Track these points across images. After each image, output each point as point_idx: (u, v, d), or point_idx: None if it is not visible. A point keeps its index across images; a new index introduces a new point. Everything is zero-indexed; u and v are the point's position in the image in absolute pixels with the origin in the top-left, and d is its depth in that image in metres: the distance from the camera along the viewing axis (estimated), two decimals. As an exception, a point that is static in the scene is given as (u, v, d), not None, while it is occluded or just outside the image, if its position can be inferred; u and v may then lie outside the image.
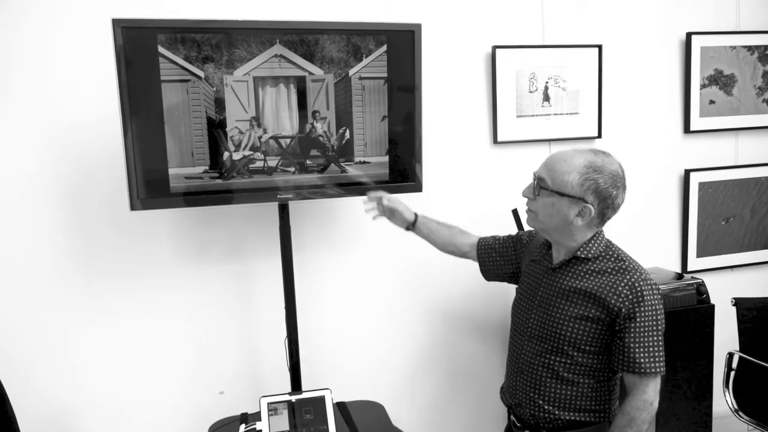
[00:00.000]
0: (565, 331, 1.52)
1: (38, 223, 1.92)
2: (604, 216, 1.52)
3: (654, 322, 1.47)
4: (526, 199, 1.60)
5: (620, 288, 1.48)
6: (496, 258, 1.85)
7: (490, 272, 1.88)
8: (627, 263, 1.52)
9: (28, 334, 1.96)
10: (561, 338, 1.53)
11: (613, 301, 1.47)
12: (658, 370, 1.47)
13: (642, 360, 1.46)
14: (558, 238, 1.57)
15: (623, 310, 1.46)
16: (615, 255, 1.54)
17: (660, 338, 1.47)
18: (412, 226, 1.93)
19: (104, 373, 2.03)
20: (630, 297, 1.46)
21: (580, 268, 1.54)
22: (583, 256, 1.54)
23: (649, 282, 1.49)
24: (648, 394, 1.47)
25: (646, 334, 1.46)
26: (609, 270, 1.51)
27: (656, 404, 1.49)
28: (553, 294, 1.57)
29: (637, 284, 1.47)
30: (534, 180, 1.55)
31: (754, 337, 2.23)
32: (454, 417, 2.42)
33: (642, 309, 1.46)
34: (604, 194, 1.48)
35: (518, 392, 1.63)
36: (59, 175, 1.92)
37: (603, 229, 1.57)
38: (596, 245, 1.54)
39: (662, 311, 1.49)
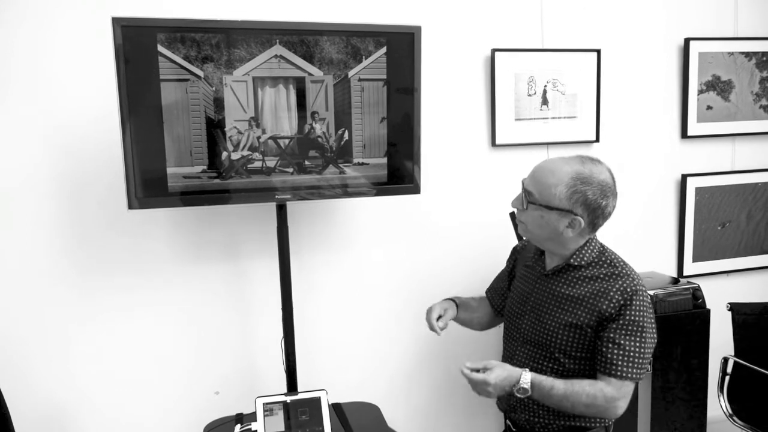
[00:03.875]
0: (556, 338, 1.52)
1: (35, 222, 1.92)
2: (595, 225, 1.50)
3: (637, 328, 1.44)
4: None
5: (612, 293, 1.47)
6: (509, 287, 1.82)
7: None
8: (620, 269, 1.51)
9: (24, 332, 1.95)
10: (552, 345, 1.53)
11: (604, 307, 1.47)
12: (633, 375, 1.44)
13: (618, 363, 1.43)
14: (550, 247, 1.57)
15: (613, 313, 1.46)
16: (608, 261, 1.53)
17: (642, 346, 1.44)
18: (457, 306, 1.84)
19: (100, 372, 2.03)
20: (620, 301, 1.45)
21: (573, 274, 1.54)
22: (576, 263, 1.53)
23: (640, 290, 1.47)
24: (620, 396, 1.43)
25: (626, 337, 1.44)
26: (602, 276, 1.51)
27: (620, 411, 1.45)
28: (546, 300, 1.57)
29: (628, 289, 1.46)
30: (522, 191, 1.54)
31: (749, 342, 2.23)
32: (450, 420, 2.42)
33: (626, 312, 1.44)
34: (594, 206, 1.46)
35: (513, 397, 1.63)
36: (57, 173, 1.91)
37: (596, 234, 1.57)
38: (589, 252, 1.54)
39: (651, 321, 1.47)
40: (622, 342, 1.44)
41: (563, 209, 1.46)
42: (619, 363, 1.44)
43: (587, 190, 1.45)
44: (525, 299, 1.64)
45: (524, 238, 1.77)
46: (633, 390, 1.48)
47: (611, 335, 1.45)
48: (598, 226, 1.52)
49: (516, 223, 2.14)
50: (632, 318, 1.45)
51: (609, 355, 1.44)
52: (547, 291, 1.58)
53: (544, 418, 1.56)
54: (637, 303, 1.46)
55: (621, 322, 1.45)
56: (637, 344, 1.45)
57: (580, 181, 1.45)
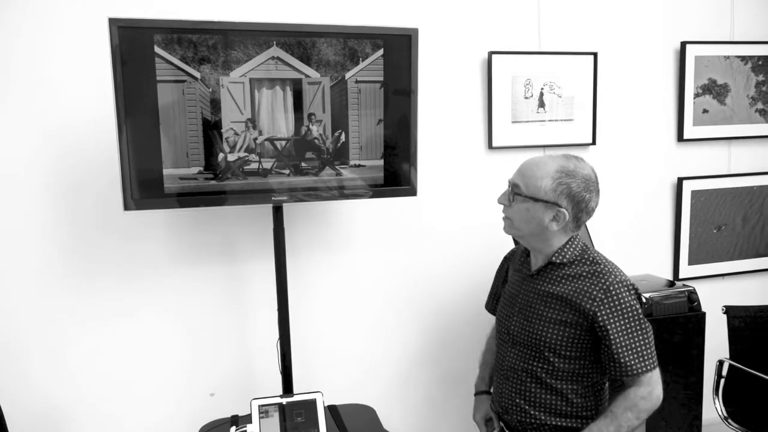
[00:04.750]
0: (544, 337, 1.53)
1: (31, 222, 1.91)
2: (578, 220, 1.53)
3: (636, 322, 1.47)
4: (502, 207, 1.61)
5: (595, 292, 1.48)
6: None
7: None
8: (602, 266, 1.52)
9: (19, 334, 1.95)
10: (541, 343, 1.54)
11: (588, 306, 1.48)
12: (650, 367, 1.47)
13: (632, 363, 1.46)
14: (535, 244, 1.58)
15: (599, 314, 1.47)
16: (590, 259, 1.55)
17: (645, 335, 1.48)
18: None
19: (96, 373, 2.02)
20: (606, 301, 1.47)
21: (556, 273, 1.56)
22: (558, 261, 1.54)
23: (624, 283, 1.50)
24: (652, 386, 1.48)
25: (630, 335, 1.46)
26: (584, 274, 1.52)
27: (661, 395, 1.50)
28: (532, 300, 1.58)
29: (612, 287, 1.48)
30: (509, 187, 1.57)
31: (744, 345, 2.24)
32: (445, 421, 2.42)
33: (620, 312, 1.46)
34: (578, 198, 1.49)
35: (504, 398, 1.64)
36: (53, 174, 1.91)
37: (580, 233, 1.59)
38: (571, 250, 1.55)
39: (641, 310, 1.50)
40: (629, 342, 1.46)
41: (549, 201, 1.49)
42: (636, 363, 1.46)
43: (571, 182, 1.48)
44: (513, 301, 1.65)
45: (520, 244, 1.77)
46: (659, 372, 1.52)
47: (616, 339, 1.46)
48: (581, 222, 1.54)
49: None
50: (628, 315, 1.47)
51: (623, 360, 1.46)
52: (533, 290, 1.59)
53: (536, 419, 1.57)
54: (626, 300, 1.48)
55: (620, 323, 1.46)
56: (641, 336, 1.47)
57: (565, 174, 1.49)
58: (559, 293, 1.53)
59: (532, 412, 1.57)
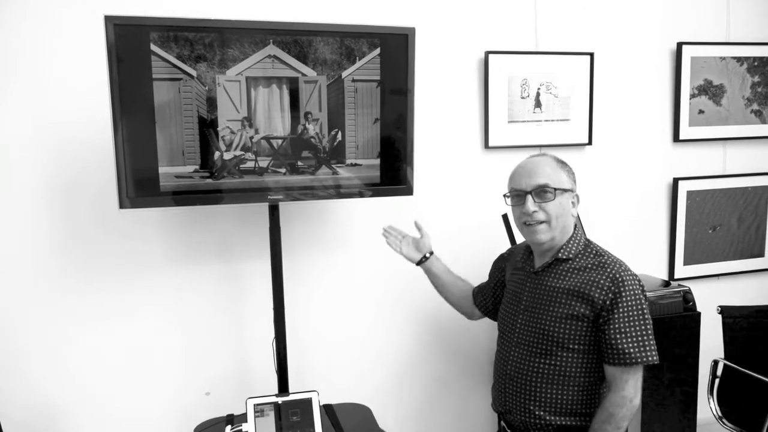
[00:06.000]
0: (552, 332, 1.54)
1: (25, 222, 1.90)
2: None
3: (639, 311, 1.49)
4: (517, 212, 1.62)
5: (602, 281, 1.51)
6: (493, 290, 1.87)
7: (493, 308, 1.88)
8: (606, 257, 1.56)
9: (15, 334, 1.94)
10: (548, 340, 1.54)
11: (597, 295, 1.50)
12: (648, 359, 1.48)
13: (630, 350, 1.47)
14: (560, 239, 1.60)
15: (607, 302, 1.49)
16: (594, 251, 1.59)
17: (647, 326, 1.50)
18: (425, 258, 1.95)
19: (91, 373, 2.02)
20: (612, 288, 1.49)
21: (561, 268, 1.58)
22: (564, 257, 1.58)
23: (629, 273, 1.53)
24: (627, 391, 1.49)
25: (631, 322, 1.48)
26: (590, 266, 1.55)
27: (637, 401, 1.50)
28: (538, 297, 1.59)
29: (618, 275, 1.51)
30: (530, 192, 1.57)
31: (739, 345, 2.25)
32: (441, 421, 2.42)
33: (623, 298, 1.48)
34: (574, 179, 1.62)
35: (508, 398, 1.64)
36: (50, 172, 1.90)
37: (584, 229, 1.62)
38: (575, 245, 1.59)
39: (646, 301, 1.52)
40: (628, 330, 1.48)
41: (569, 189, 1.59)
42: (633, 351, 1.47)
43: (570, 168, 1.63)
44: (517, 300, 1.65)
45: (519, 243, 1.78)
46: (641, 374, 1.52)
47: (616, 326, 1.48)
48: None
49: (508, 224, 2.15)
50: (630, 303, 1.49)
51: (620, 346, 1.48)
52: (539, 287, 1.60)
53: (540, 419, 1.57)
54: (630, 287, 1.50)
55: (621, 310, 1.48)
56: (642, 326, 1.49)
57: (562, 162, 1.62)
58: (567, 287, 1.54)
59: (537, 412, 1.57)
